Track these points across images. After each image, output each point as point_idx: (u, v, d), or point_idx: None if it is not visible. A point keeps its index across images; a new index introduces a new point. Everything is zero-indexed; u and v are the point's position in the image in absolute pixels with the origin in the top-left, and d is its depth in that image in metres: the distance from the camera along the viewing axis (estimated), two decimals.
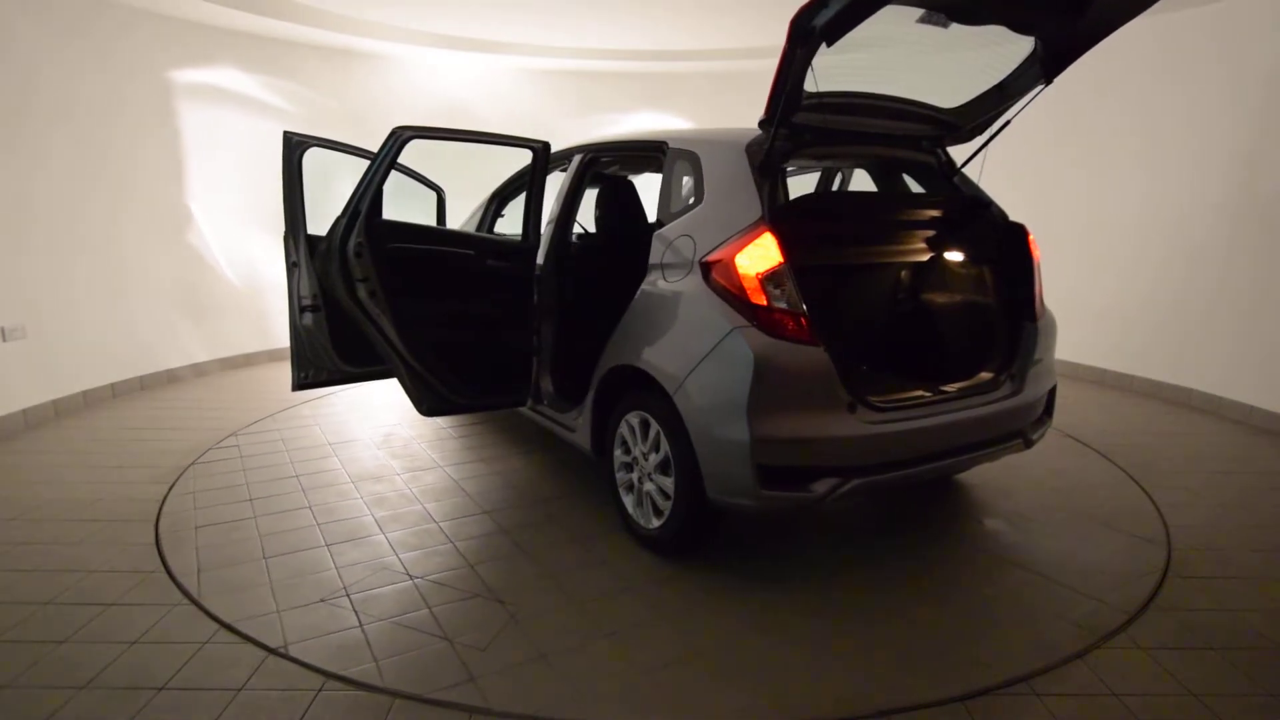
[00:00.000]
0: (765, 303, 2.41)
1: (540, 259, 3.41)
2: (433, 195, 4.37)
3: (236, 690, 2.05)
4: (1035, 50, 2.65)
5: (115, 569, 2.73)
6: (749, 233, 2.48)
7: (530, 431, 4.37)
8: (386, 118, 6.28)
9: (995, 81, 2.83)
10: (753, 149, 2.70)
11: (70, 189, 4.81)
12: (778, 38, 2.29)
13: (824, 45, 2.25)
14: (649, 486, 2.84)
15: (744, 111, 4.50)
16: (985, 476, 3.67)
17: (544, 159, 3.23)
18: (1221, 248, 4.87)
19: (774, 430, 2.36)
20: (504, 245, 3.35)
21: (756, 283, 2.42)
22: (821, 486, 2.40)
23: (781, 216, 2.56)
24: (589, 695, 2.06)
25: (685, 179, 2.90)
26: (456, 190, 4.57)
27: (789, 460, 2.41)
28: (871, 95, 2.77)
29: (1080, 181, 5.75)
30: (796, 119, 2.63)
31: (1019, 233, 3.03)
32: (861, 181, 3.95)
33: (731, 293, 2.47)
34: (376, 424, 4.60)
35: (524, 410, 3.72)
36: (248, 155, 5.97)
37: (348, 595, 2.59)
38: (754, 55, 6.96)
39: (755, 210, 2.54)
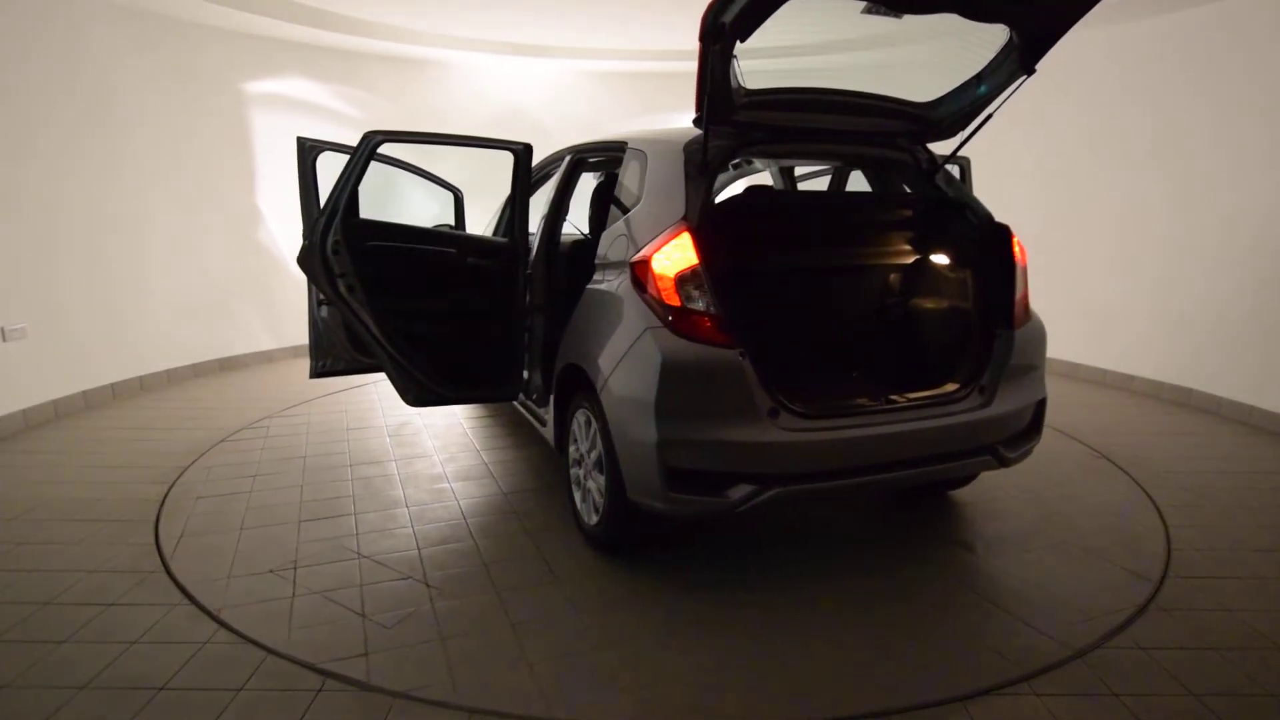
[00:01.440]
0: (679, 303, 2.38)
1: (532, 257, 3.44)
2: (450, 197, 4.51)
3: (236, 690, 2.05)
4: (1011, 39, 2.56)
5: (115, 569, 2.73)
6: (670, 233, 2.46)
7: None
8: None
9: (972, 73, 2.75)
10: (691, 149, 2.68)
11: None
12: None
13: (739, 41, 2.24)
14: (590, 484, 2.86)
15: None
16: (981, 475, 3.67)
17: (525, 161, 3.24)
18: (1222, 248, 4.87)
19: (684, 433, 2.31)
20: (486, 244, 3.41)
21: (671, 283, 2.39)
22: (737, 493, 2.33)
23: (709, 217, 2.53)
24: (459, 680, 2.12)
25: (633, 179, 2.91)
26: (484, 191, 4.65)
27: (701, 464, 2.35)
28: (829, 91, 2.74)
29: (1081, 182, 5.75)
30: (740, 117, 2.62)
31: (1002, 235, 2.83)
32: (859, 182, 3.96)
33: (649, 293, 2.46)
34: (392, 416, 4.70)
35: (516, 404, 3.77)
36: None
37: (295, 569, 2.76)
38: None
39: (679, 210, 2.52)
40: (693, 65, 2.40)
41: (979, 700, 2.03)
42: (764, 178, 4.78)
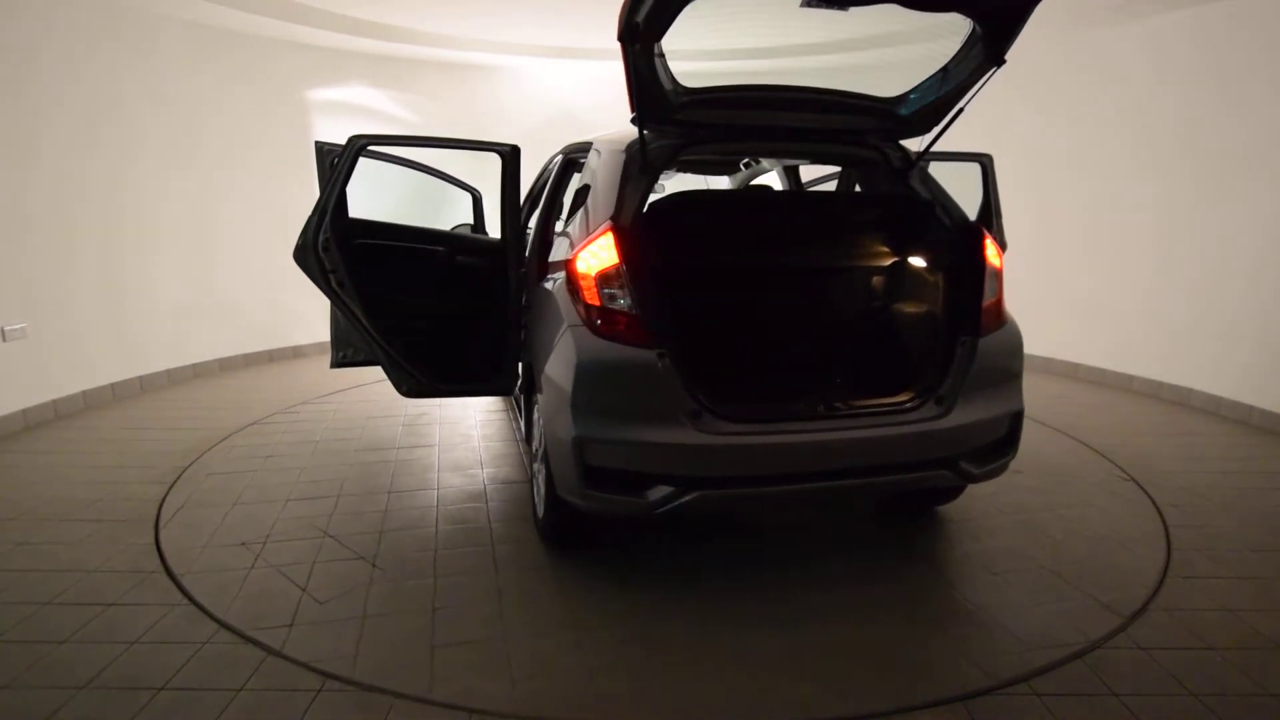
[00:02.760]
0: (599, 303, 2.38)
1: (527, 255, 3.46)
2: (468, 197, 4.67)
3: (236, 690, 2.05)
4: (974, 30, 2.48)
5: (115, 569, 2.73)
6: (596, 233, 2.48)
7: None
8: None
9: (939, 67, 2.68)
10: (633, 149, 2.67)
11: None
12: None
13: (656, 41, 2.24)
14: (539, 478, 2.89)
15: None
16: None
17: (512, 162, 3.26)
18: (1222, 248, 4.87)
19: (601, 431, 2.31)
20: (477, 243, 3.47)
21: (592, 282, 2.40)
22: (656, 494, 2.31)
23: (649, 216, 2.53)
24: (361, 656, 2.22)
25: (589, 178, 2.93)
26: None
27: (619, 463, 2.34)
28: (783, 88, 2.72)
29: (1081, 183, 5.74)
30: (684, 116, 2.62)
31: (973, 237, 2.68)
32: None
33: (573, 291, 2.48)
34: (413, 407, 4.82)
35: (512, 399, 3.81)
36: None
37: (264, 543, 2.96)
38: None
39: (610, 210, 2.52)
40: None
41: (979, 700, 2.03)
42: (771, 179, 4.77)
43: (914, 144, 3.01)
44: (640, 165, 2.63)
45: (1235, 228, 4.77)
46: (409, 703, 2.02)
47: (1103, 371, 5.73)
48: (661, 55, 2.44)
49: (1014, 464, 3.48)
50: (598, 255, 2.41)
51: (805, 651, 2.27)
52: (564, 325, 2.45)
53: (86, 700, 2.00)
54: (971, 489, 3.38)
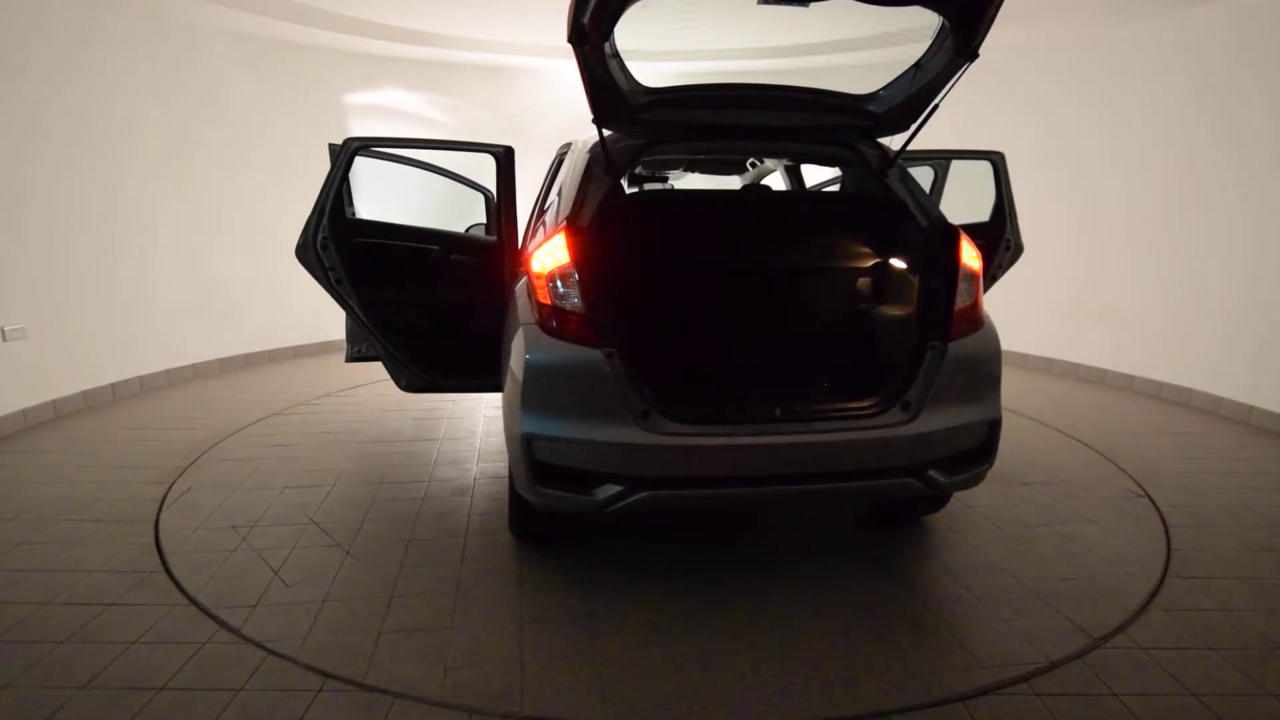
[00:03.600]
0: (549, 302, 2.40)
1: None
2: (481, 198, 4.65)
3: (236, 690, 2.05)
4: (943, 25, 2.43)
5: (115, 569, 2.73)
6: (551, 232, 2.51)
7: None
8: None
9: (912, 62, 2.64)
10: (596, 149, 2.69)
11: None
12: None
13: (602, 41, 2.26)
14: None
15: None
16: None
17: (506, 163, 3.28)
18: (1222, 248, 4.87)
19: (550, 429, 2.32)
20: (473, 242, 3.49)
21: (544, 282, 2.42)
22: (604, 493, 2.32)
23: (600, 216, 2.55)
24: (311, 639, 2.32)
25: (563, 177, 2.96)
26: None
27: (568, 461, 2.35)
28: (754, 87, 2.72)
29: (1082, 182, 5.74)
30: (649, 116, 2.63)
31: (948, 238, 2.59)
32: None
33: (529, 290, 2.50)
34: (426, 402, 4.91)
35: None
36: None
37: (251, 527, 3.08)
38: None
39: (569, 210, 2.56)
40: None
41: (979, 700, 2.03)
42: (775, 179, 4.76)
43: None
44: (605, 165, 2.64)
45: (1236, 228, 4.77)
46: (409, 702, 2.02)
47: (1103, 371, 5.73)
48: (617, 56, 2.48)
49: (1022, 476, 3.43)
50: (552, 255, 2.42)
51: (743, 653, 2.26)
52: (520, 323, 2.49)
53: (86, 700, 2.00)
54: (970, 499, 3.35)
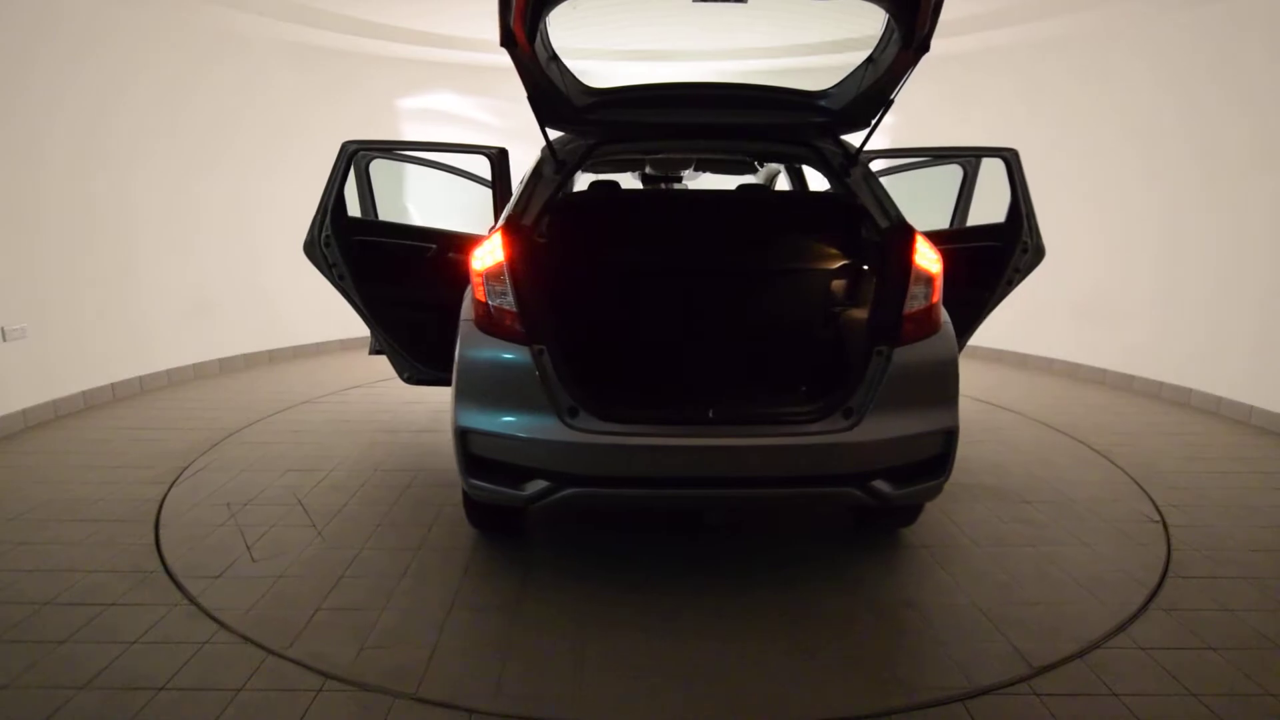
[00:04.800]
0: (484, 299, 2.46)
1: None
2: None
3: (236, 690, 2.05)
4: (889, 19, 2.38)
5: (115, 569, 2.73)
6: (491, 231, 2.56)
7: None
8: None
9: (865, 57, 2.60)
10: (544, 150, 2.74)
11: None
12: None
13: (529, 43, 2.30)
14: None
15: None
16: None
17: (500, 163, 3.33)
18: (1222, 247, 4.87)
19: (482, 423, 2.38)
20: (467, 240, 3.54)
21: (480, 280, 2.47)
22: (532, 488, 2.36)
23: (543, 215, 2.60)
24: (256, 612, 2.44)
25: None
26: None
27: (499, 455, 2.41)
28: (705, 85, 2.74)
29: (1082, 181, 5.74)
30: (597, 116, 2.66)
31: (902, 239, 2.50)
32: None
33: (472, 288, 2.55)
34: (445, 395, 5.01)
35: None
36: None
37: (245, 505, 3.28)
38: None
39: (510, 209, 2.63)
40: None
41: (979, 700, 2.03)
42: (782, 181, 4.76)
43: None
44: (555, 165, 2.68)
45: (1237, 228, 4.77)
46: (408, 702, 2.02)
47: (1103, 372, 5.73)
48: (556, 58, 2.52)
49: (1024, 492, 3.35)
50: (491, 253, 2.47)
51: (658, 659, 2.23)
52: (461, 319, 2.55)
53: (86, 700, 2.00)
54: (956, 513, 3.20)
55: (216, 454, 3.95)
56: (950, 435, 2.45)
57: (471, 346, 2.45)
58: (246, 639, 2.28)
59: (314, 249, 3.42)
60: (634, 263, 3.14)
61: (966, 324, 3.38)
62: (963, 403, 4.84)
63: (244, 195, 6.09)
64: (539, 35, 2.38)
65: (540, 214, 2.59)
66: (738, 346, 3.15)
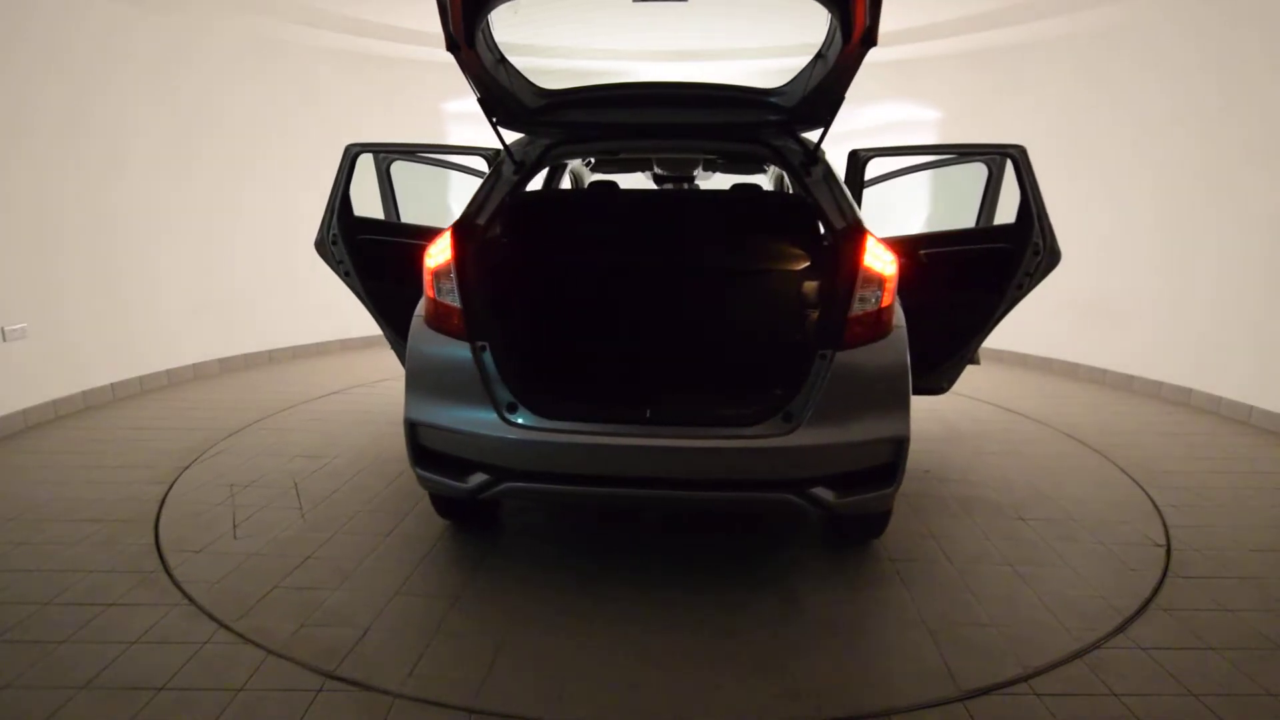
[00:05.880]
0: (433, 296, 2.53)
1: None
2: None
3: (237, 690, 2.05)
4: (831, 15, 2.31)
5: (115, 569, 2.72)
6: (444, 230, 2.61)
7: None
8: None
9: (815, 53, 2.55)
10: (507, 149, 2.78)
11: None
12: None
13: (467, 47, 2.33)
14: None
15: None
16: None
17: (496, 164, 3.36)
18: (1222, 247, 4.87)
19: (427, 415, 2.47)
20: None
21: (430, 277, 2.54)
22: (474, 480, 2.42)
23: (498, 214, 2.65)
24: (218, 585, 2.59)
25: None
26: None
27: (444, 447, 2.49)
28: (659, 85, 2.76)
29: (1082, 181, 5.74)
30: (551, 117, 2.72)
31: (852, 241, 2.42)
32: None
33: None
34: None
35: None
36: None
37: (247, 487, 3.45)
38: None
39: (465, 208, 2.67)
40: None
41: (979, 700, 2.03)
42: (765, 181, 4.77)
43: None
44: (514, 166, 2.73)
45: (1237, 227, 4.77)
46: (408, 702, 2.02)
47: (1103, 372, 5.73)
48: (504, 61, 2.57)
49: (1021, 510, 3.23)
50: (441, 251, 2.53)
51: (585, 656, 2.24)
52: (415, 315, 2.62)
53: (86, 700, 2.00)
54: (947, 529, 3.06)
55: (239, 438, 4.17)
56: (900, 444, 2.36)
57: (420, 342, 2.52)
58: (200, 608, 2.44)
59: (324, 247, 3.63)
60: (586, 262, 3.19)
61: (974, 329, 3.26)
62: (975, 407, 4.64)
63: (244, 195, 6.08)
64: (483, 38, 2.43)
65: (495, 213, 2.65)
66: (688, 347, 3.16)
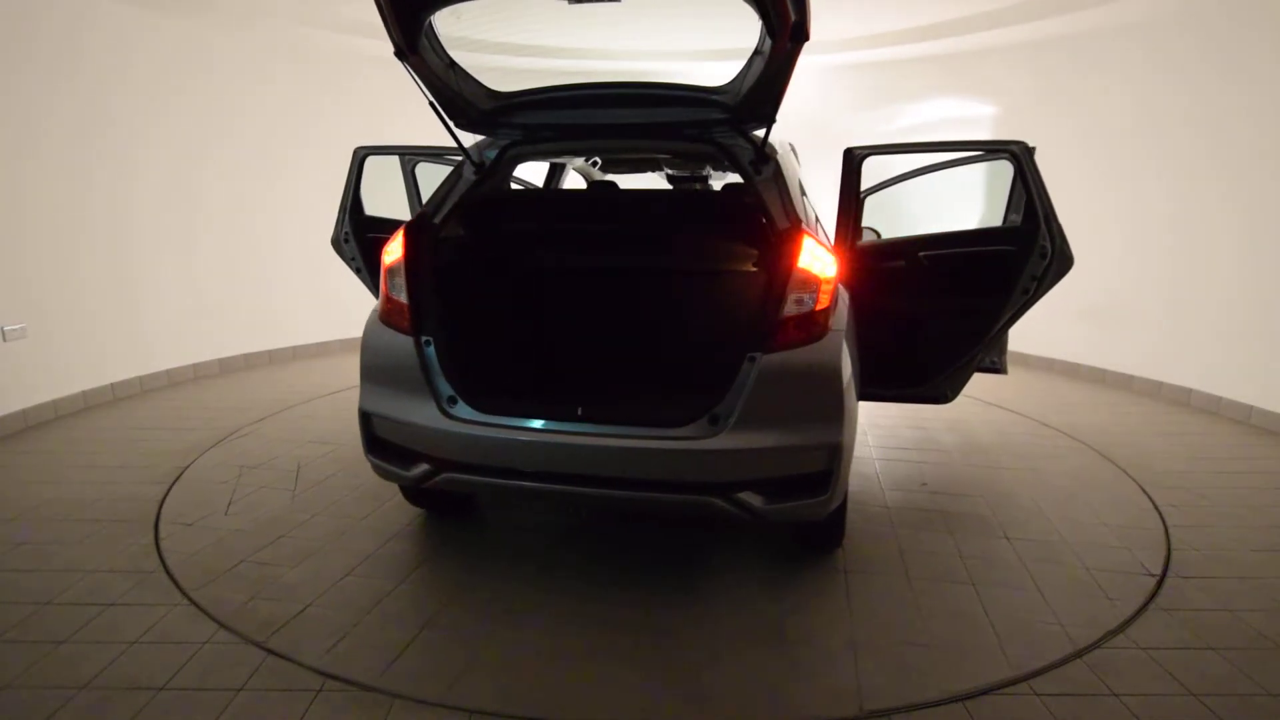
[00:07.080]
0: (386, 292, 2.62)
1: None
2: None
3: (236, 690, 2.05)
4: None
5: (115, 569, 2.73)
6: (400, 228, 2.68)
7: None
8: None
9: (752, 49, 2.52)
10: (464, 151, 2.85)
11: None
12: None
13: (419, 53, 2.41)
14: None
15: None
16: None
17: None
18: (1222, 247, 4.87)
19: (377, 406, 2.56)
20: None
21: (384, 273, 2.63)
22: (417, 470, 2.50)
23: (455, 214, 2.73)
24: (190, 557, 2.78)
25: None
26: None
27: (392, 437, 2.59)
28: (607, 85, 2.78)
29: (1084, 180, 5.74)
30: (508, 119, 2.80)
31: (788, 241, 2.36)
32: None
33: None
34: None
35: None
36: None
37: (255, 468, 3.67)
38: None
39: (422, 207, 2.76)
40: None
41: (979, 700, 2.03)
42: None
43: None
44: (473, 167, 2.82)
45: (1237, 227, 4.77)
46: (408, 702, 2.02)
47: (1103, 371, 5.73)
48: (453, 65, 2.62)
49: (1008, 528, 3.09)
50: (395, 248, 2.62)
51: (514, 653, 2.26)
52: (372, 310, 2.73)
53: (86, 700, 2.00)
54: (922, 544, 2.94)
55: (268, 422, 4.40)
56: (833, 451, 2.27)
57: (372, 336, 2.62)
58: (169, 574, 2.64)
59: (338, 244, 3.84)
60: (538, 262, 3.27)
61: (976, 336, 3.08)
62: (999, 415, 4.60)
63: (244, 196, 6.09)
64: (430, 44, 2.48)
65: (451, 213, 2.73)
66: (628, 347, 3.22)
